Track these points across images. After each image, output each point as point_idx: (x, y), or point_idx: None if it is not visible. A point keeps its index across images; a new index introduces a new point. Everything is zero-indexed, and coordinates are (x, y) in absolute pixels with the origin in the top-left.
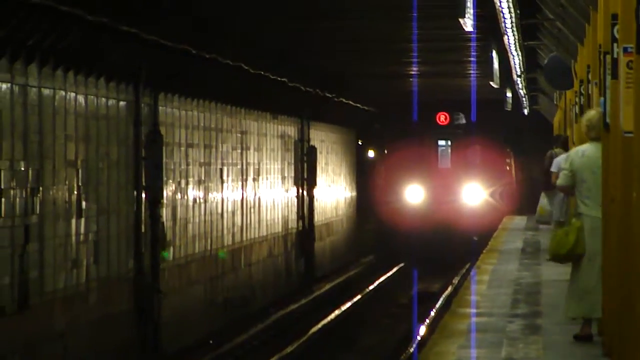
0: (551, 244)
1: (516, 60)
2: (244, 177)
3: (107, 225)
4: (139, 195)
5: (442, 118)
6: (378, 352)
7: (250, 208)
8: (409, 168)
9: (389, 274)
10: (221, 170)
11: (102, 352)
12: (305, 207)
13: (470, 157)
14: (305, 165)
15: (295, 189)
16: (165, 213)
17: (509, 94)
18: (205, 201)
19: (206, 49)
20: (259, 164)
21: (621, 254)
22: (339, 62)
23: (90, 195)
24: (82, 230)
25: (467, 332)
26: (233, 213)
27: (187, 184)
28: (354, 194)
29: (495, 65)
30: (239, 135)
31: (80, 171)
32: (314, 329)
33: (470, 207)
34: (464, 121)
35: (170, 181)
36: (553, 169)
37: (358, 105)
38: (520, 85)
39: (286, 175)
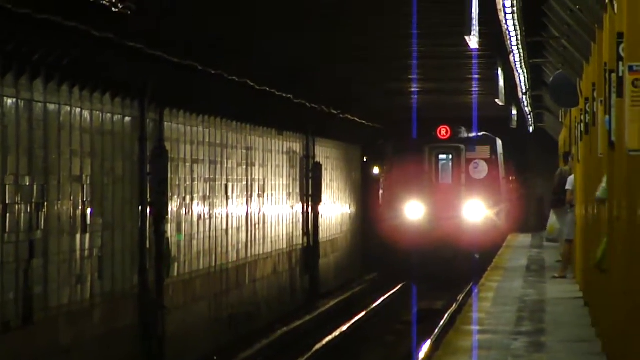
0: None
1: (521, 78)
2: (249, 193)
3: (112, 240)
4: (144, 210)
5: (443, 132)
6: None
7: (255, 224)
8: (408, 184)
9: (392, 291)
10: (226, 186)
11: None
12: (310, 224)
13: (470, 172)
14: (311, 181)
15: (300, 205)
16: (170, 229)
17: (514, 112)
18: (210, 217)
19: (212, 65)
20: (264, 180)
21: (626, 271)
22: (344, 79)
23: (95, 211)
24: (87, 245)
25: (471, 350)
26: (238, 229)
27: (192, 199)
28: (359, 210)
29: (501, 82)
30: (244, 151)
31: (85, 186)
32: (318, 346)
33: (469, 224)
34: (465, 135)
35: (176, 197)
36: (568, 186)
37: (363, 121)
38: (525, 103)
39: (291, 191)
